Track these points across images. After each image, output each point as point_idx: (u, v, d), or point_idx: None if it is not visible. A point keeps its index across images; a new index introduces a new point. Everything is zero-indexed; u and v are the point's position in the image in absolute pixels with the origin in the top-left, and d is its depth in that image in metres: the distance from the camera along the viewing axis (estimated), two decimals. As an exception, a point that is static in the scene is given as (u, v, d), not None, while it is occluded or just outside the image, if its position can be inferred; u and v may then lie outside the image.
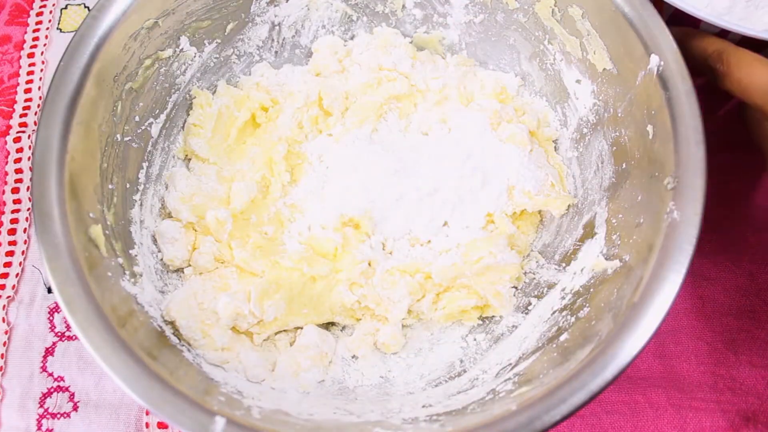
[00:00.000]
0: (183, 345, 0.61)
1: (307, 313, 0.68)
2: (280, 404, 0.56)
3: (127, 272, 0.61)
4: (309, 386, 0.62)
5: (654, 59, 0.59)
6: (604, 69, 0.67)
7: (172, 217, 0.70)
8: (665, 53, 0.59)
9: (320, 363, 0.65)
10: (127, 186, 0.67)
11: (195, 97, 0.75)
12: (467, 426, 0.50)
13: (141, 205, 0.68)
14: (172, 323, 0.62)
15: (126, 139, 0.67)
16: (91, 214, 0.59)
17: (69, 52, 0.62)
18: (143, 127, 0.70)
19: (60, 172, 0.58)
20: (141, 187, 0.69)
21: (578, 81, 0.71)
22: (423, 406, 0.58)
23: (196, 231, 0.70)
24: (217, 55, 0.76)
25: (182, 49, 0.72)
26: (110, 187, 0.64)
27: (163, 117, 0.72)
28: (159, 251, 0.68)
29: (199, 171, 0.73)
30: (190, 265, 0.69)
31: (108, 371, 0.51)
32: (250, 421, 0.51)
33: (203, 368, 0.59)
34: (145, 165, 0.70)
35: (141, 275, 0.63)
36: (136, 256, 0.64)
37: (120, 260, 0.61)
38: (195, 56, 0.74)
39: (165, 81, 0.71)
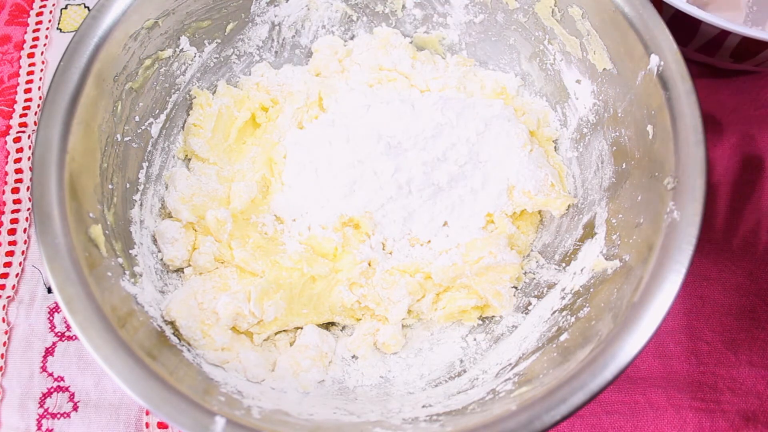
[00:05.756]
0: (183, 345, 0.61)
1: (307, 313, 0.68)
2: (280, 404, 0.56)
3: (127, 272, 0.61)
4: (309, 386, 0.62)
5: (654, 59, 0.59)
6: (604, 69, 0.67)
7: (172, 217, 0.70)
8: (665, 53, 0.59)
9: (320, 363, 0.65)
10: (127, 186, 0.67)
11: (195, 97, 0.75)
12: (467, 426, 0.50)
13: (141, 205, 0.68)
14: (172, 323, 0.62)
15: (126, 139, 0.67)
16: (91, 214, 0.59)
17: (69, 52, 0.62)
18: (143, 127, 0.69)
19: (60, 172, 0.58)
20: (141, 187, 0.69)
21: (578, 81, 0.71)
22: (423, 406, 0.58)
23: (196, 231, 0.70)
24: (217, 55, 0.76)
25: (182, 49, 0.72)
26: (110, 187, 0.64)
27: (163, 117, 0.72)
28: (159, 251, 0.68)
29: (199, 171, 0.73)
30: (190, 265, 0.69)
31: (108, 371, 0.51)
32: (250, 421, 0.51)
33: (203, 368, 0.59)
34: (145, 165, 0.70)
35: (141, 275, 0.63)
36: (136, 256, 0.64)
37: (120, 260, 0.61)
38: (195, 56, 0.74)
39: (165, 81, 0.71)
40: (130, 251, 0.64)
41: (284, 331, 0.68)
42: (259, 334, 0.66)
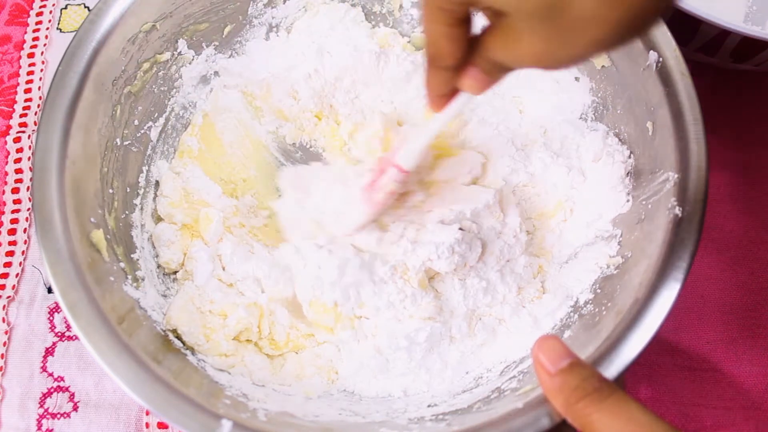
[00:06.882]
0: (187, 349, 0.61)
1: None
2: (285, 406, 0.56)
3: (129, 276, 0.61)
4: (314, 392, 0.62)
5: (652, 55, 0.60)
6: (603, 66, 0.67)
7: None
8: (663, 49, 0.60)
9: (326, 375, 0.63)
10: (128, 190, 0.67)
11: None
12: (473, 425, 0.50)
13: (141, 209, 0.68)
14: (173, 330, 0.62)
15: (126, 143, 0.67)
16: (92, 219, 0.59)
17: (67, 56, 0.61)
18: (143, 131, 0.69)
19: (60, 177, 0.58)
20: (141, 191, 0.68)
21: (577, 78, 0.71)
22: (428, 406, 0.58)
23: (193, 235, 0.69)
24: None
25: (180, 52, 0.72)
26: (110, 191, 0.64)
27: (162, 120, 0.72)
28: (158, 255, 0.68)
29: (184, 171, 0.71)
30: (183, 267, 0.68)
31: (113, 376, 0.50)
32: (256, 424, 0.51)
33: (208, 372, 0.58)
34: (145, 169, 0.69)
35: (143, 279, 0.63)
36: (137, 260, 0.64)
37: (122, 264, 0.61)
38: (193, 59, 0.74)
39: (163, 84, 0.71)
40: (132, 255, 0.64)
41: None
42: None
